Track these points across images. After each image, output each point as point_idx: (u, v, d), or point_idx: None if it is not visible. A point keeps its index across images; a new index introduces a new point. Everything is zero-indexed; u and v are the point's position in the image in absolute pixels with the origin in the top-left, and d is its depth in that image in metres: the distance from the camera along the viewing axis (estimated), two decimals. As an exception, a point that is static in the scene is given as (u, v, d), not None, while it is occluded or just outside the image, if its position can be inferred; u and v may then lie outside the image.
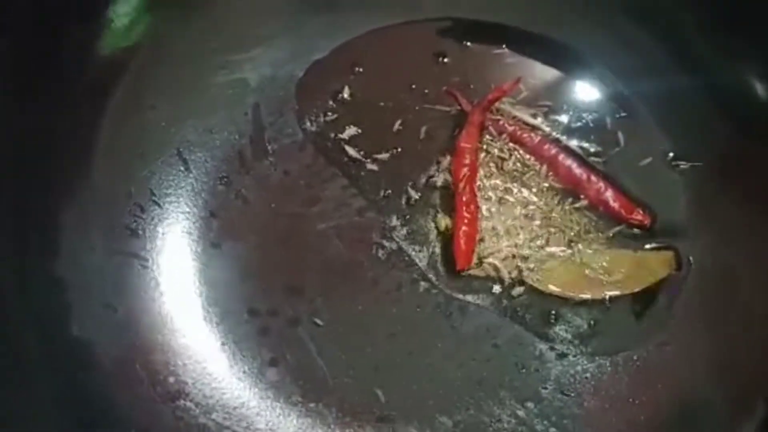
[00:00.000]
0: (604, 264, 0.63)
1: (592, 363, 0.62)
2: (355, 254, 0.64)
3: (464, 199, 0.63)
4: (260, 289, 0.64)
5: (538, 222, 0.64)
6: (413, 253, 0.64)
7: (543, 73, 0.68)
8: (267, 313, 0.63)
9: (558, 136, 0.66)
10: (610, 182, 0.65)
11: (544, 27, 0.68)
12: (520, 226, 0.64)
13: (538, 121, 0.66)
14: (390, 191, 0.66)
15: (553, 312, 0.63)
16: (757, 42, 0.63)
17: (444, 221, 0.64)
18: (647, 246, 0.64)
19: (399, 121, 0.67)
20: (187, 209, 0.65)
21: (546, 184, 0.65)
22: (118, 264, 0.63)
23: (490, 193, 0.65)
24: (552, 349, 0.62)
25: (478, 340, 0.63)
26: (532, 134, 0.66)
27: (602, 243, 0.64)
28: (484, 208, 0.64)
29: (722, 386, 0.61)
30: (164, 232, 0.65)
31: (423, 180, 0.66)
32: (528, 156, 0.66)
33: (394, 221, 0.65)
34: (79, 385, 0.59)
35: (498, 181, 0.65)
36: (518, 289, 0.63)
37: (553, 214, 0.65)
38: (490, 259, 0.63)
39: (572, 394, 0.62)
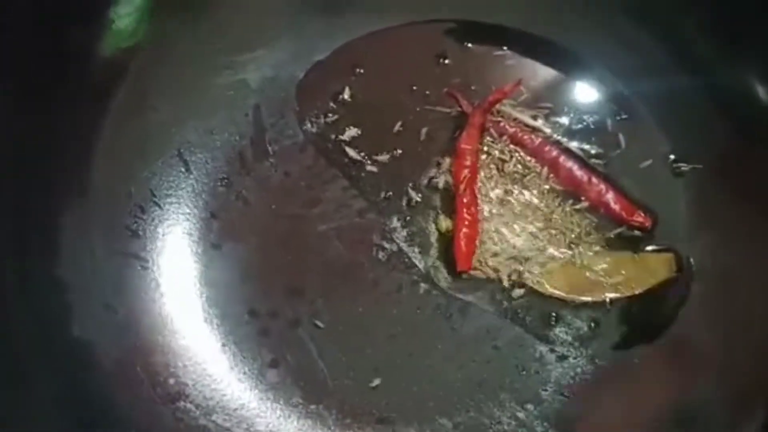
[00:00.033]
0: (605, 266, 0.63)
1: (592, 365, 0.62)
2: (355, 255, 0.64)
3: (465, 200, 0.63)
4: (261, 291, 0.64)
5: (538, 224, 0.64)
6: (414, 254, 0.64)
7: (544, 74, 0.68)
8: (267, 314, 0.63)
9: (559, 137, 0.66)
10: (611, 184, 0.65)
11: (545, 28, 0.68)
12: (520, 228, 0.64)
13: (539, 122, 0.66)
14: (390, 193, 0.66)
15: (554, 314, 0.63)
16: (757, 43, 0.63)
17: (445, 223, 0.64)
18: (648, 248, 0.64)
19: (399, 123, 0.67)
20: (188, 210, 0.65)
21: (547, 186, 0.65)
22: (118, 265, 0.63)
23: (491, 195, 0.65)
24: (552, 351, 0.62)
25: (478, 341, 0.63)
26: (533, 136, 0.66)
27: (603, 245, 0.64)
28: (484, 209, 0.64)
29: (723, 388, 0.61)
30: (165, 233, 0.65)
31: (423, 181, 0.66)
32: (529, 158, 0.66)
33: (395, 223, 0.65)
34: (80, 385, 0.59)
35: (499, 183, 0.65)
36: (518, 291, 0.63)
37: (554, 216, 0.64)
38: (491, 261, 0.63)
39: (572, 396, 0.62)
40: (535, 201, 0.65)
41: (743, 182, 0.65)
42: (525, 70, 0.68)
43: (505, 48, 0.68)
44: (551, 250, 0.64)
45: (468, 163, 0.64)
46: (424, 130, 0.67)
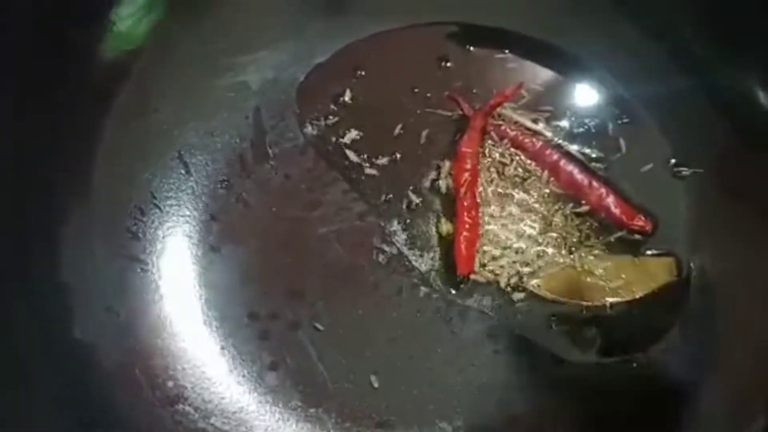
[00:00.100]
0: (605, 270, 0.63)
1: (592, 369, 0.62)
2: (355, 258, 0.64)
3: (465, 204, 0.63)
4: (260, 293, 0.64)
5: (539, 228, 0.64)
6: (414, 257, 0.64)
7: (545, 78, 0.68)
8: (267, 316, 0.63)
9: (559, 141, 0.66)
10: (612, 188, 0.65)
11: (546, 32, 0.68)
12: (521, 232, 0.64)
13: (540, 126, 0.66)
14: (391, 196, 0.66)
15: (554, 318, 0.63)
16: (758, 46, 0.63)
17: (445, 226, 0.64)
18: (648, 252, 0.64)
19: (400, 126, 0.67)
20: (188, 212, 0.65)
21: (547, 190, 0.65)
22: (118, 267, 0.63)
23: (492, 198, 0.65)
24: (552, 354, 0.62)
25: (478, 345, 0.63)
26: (534, 139, 0.66)
27: (603, 249, 0.64)
28: (485, 213, 0.64)
29: (723, 392, 0.61)
30: (164, 235, 0.65)
31: (424, 185, 0.66)
32: (529, 161, 0.66)
33: (395, 226, 0.65)
34: (80, 386, 0.59)
35: (499, 187, 0.65)
36: (519, 295, 0.63)
37: (554, 220, 0.64)
38: (491, 265, 0.63)
39: (572, 400, 0.62)
40: (536, 205, 0.65)
41: (744, 186, 0.64)
42: (526, 74, 0.68)
43: (506, 51, 0.68)
44: (551, 254, 0.64)
45: (468, 166, 0.64)
46: (424, 133, 0.67)
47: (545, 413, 0.62)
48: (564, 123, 0.67)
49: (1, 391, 0.54)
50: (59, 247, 0.61)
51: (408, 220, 0.65)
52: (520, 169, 0.66)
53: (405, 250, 0.64)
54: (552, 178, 0.65)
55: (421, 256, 0.64)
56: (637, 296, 0.63)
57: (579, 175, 0.65)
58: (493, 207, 0.65)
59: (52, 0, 0.60)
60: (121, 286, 0.63)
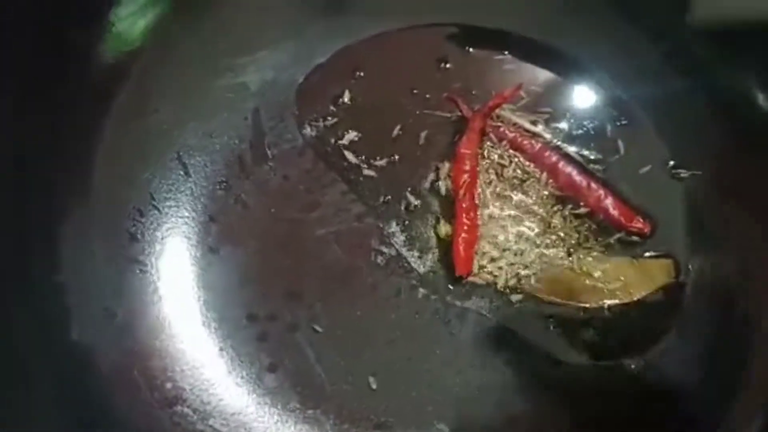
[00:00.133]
0: (604, 272, 0.63)
1: (590, 370, 0.62)
2: (354, 260, 0.64)
3: (464, 205, 0.63)
4: (259, 295, 0.64)
5: (537, 229, 0.64)
6: (412, 259, 0.64)
7: (544, 79, 0.68)
8: (266, 318, 0.63)
9: (558, 143, 0.66)
10: (610, 190, 0.65)
11: (545, 34, 0.68)
12: (519, 234, 0.64)
13: (539, 128, 0.66)
14: (389, 197, 0.66)
15: (552, 319, 0.63)
16: (757, 49, 0.63)
17: (444, 228, 0.64)
18: (647, 254, 0.64)
19: (399, 127, 0.67)
20: (187, 214, 0.65)
21: (546, 192, 0.65)
22: (117, 268, 0.63)
23: (490, 200, 0.65)
24: (550, 356, 0.62)
25: (476, 346, 0.63)
26: (533, 141, 0.65)
27: (601, 250, 0.64)
28: (483, 214, 0.64)
29: (722, 394, 0.61)
30: (163, 236, 0.65)
31: (422, 186, 0.66)
32: (528, 163, 0.65)
33: (394, 227, 0.65)
34: (79, 387, 0.59)
35: (498, 188, 0.65)
36: (517, 296, 0.63)
37: (553, 222, 0.64)
38: (489, 266, 0.64)
39: (570, 401, 0.62)
40: (535, 206, 0.65)
41: (742, 188, 0.64)
42: (525, 75, 0.68)
43: (505, 52, 0.68)
44: (550, 256, 0.64)
45: (467, 167, 0.64)
46: (423, 134, 0.67)
47: (543, 415, 0.62)
48: (563, 124, 0.66)
49: (0, 391, 0.54)
50: (59, 247, 0.61)
51: (406, 222, 0.65)
52: (518, 171, 0.66)
53: (403, 251, 0.64)
54: (551, 180, 0.65)
55: (420, 257, 0.64)
56: (636, 298, 0.63)
57: (578, 177, 0.65)
58: (491, 208, 0.65)
59: (52, 0, 0.59)
60: (120, 287, 0.63)
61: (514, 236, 0.64)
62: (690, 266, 0.64)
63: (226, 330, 0.63)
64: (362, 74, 0.68)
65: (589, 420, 0.62)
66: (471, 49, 0.68)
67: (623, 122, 0.66)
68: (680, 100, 0.66)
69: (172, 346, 0.62)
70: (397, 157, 0.66)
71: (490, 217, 0.65)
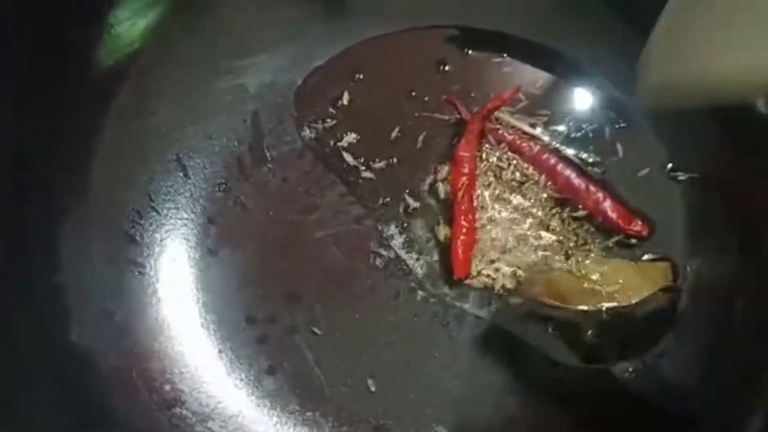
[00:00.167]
0: (602, 274, 0.63)
1: (588, 373, 0.62)
2: (352, 262, 0.64)
3: (463, 208, 0.63)
4: (258, 297, 0.64)
5: (536, 232, 0.64)
6: (411, 261, 0.64)
7: (543, 82, 0.68)
8: (265, 320, 0.63)
9: (557, 145, 0.66)
10: (609, 192, 0.64)
11: (544, 36, 0.68)
12: (517, 236, 0.64)
13: (537, 130, 0.66)
14: (388, 199, 0.66)
15: (551, 322, 0.63)
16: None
17: (442, 230, 0.64)
18: (645, 256, 0.64)
19: (397, 129, 0.67)
20: (186, 216, 0.65)
21: (544, 194, 0.65)
22: (116, 270, 0.63)
23: (489, 202, 0.65)
24: (548, 358, 0.62)
25: (475, 349, 0.63)
26: (531, 144, 0.65)
27: (600, 253, 0.64)
28: (482, 217, 0.64)
29: (719, 397, 0.61)
30: (162, 238, 0.65)
31: (421, 188, 0.66)
32: (527, 165, 0.65)
33: (392, 229, 0.65)
34: (79, 388, 0.60)
35: (496, 191, 0.65)
36: (516, 299, 0.63)
37: (552, 224, 0.64)
38: (488, 269, 0.64)
39: (569, 403, 0.62)
40: (533, 209, 0.65)
41: (740, 191, 0.64)
42: (524, 77, 0.67)
43: (504, 55, 0.68)
44: (548, 258, 0.64)
45: (466, 170, 0.64)
46: (422, 137, 0.67)
47: (542, 417, 0.62)
48: (561, 127, 0.66)
49: (0, 391, 0.55)
50: (58, 247, 0.62)
51: (405, 224, 0.65)
52: (517, 173, 0.66)
53: (402, 253, 0.65)
54: (549, 183, 0.65)
55: (419, 259, 0.64)
56: (634, 300, 0.63)
57: (576, 180, 0.65)
58: (490, 211, 0.65)
59: (52, 0, 0.59)
60: (119, 289, 0.63)
61: (512, 239, 0.64)
62: (688, 268, 0.64)
63: (225, 332, 0.63)
64: (361, 76, 0.68)
65: (588, 422, 0.62)
66: (470, 52, 0.68)
67: (622, 125, 0.66)
68: (679, 103, 0.66)
69: (170, 347, 0.62)
70: (395, 159, 0.66)
71: (489, 219, 0.65)
